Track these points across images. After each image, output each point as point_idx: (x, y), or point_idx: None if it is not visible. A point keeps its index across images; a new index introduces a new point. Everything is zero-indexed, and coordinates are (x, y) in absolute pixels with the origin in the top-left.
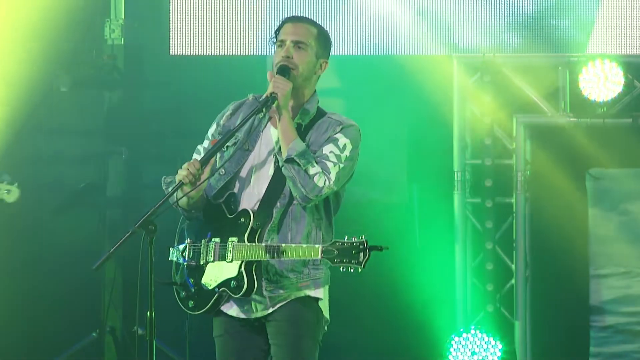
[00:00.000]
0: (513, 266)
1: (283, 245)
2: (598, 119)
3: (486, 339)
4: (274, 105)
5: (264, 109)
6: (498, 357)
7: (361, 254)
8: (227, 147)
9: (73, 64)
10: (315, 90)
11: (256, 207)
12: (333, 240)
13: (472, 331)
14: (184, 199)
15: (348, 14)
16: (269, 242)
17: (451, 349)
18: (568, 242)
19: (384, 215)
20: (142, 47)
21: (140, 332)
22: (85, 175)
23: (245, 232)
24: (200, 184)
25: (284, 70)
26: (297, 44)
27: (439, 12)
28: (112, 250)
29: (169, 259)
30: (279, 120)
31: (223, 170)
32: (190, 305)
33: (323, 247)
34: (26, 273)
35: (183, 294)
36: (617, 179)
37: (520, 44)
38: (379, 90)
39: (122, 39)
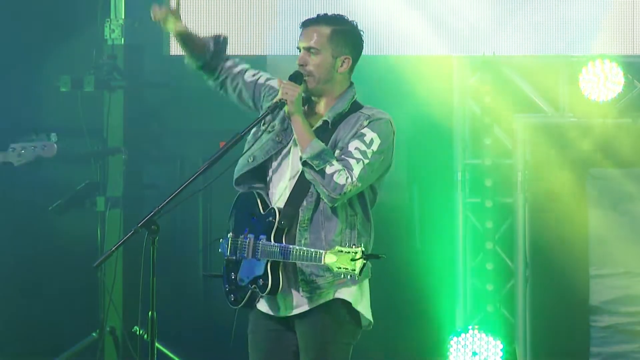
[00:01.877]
0: (513, 266)
1: (291, 246)
2: (598, 119)
3: (486, 339)
4: (283, 111)
5: (271, 115)
6: (498, 357)
7: (357, 263)
8: (262, 132)
9: (73, 64)
10: (350, 85)
11: (282, 206)
12: (335, 248)
13: (471, 331)
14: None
15: (348, 15)
16: (302, 242)
17: (451, 349)
18: (568, 242)
19: (384, 215)
20: (142, 47)
21: (140, 332)
22: (85, 175)
23: (272, 231)
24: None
25: (296, 77)
26: (308, 50)
27: (439, 12)
28: (113, 248)
29: (219, 250)
30: (293, 124)
31: (252, 157)
32: (230, 299)
33: (325, 253)
34: (26, 273)
35: (227, 287)
36: (617, 179)
37: (521, 44)
38: (379, 90)
39: (122, 39)
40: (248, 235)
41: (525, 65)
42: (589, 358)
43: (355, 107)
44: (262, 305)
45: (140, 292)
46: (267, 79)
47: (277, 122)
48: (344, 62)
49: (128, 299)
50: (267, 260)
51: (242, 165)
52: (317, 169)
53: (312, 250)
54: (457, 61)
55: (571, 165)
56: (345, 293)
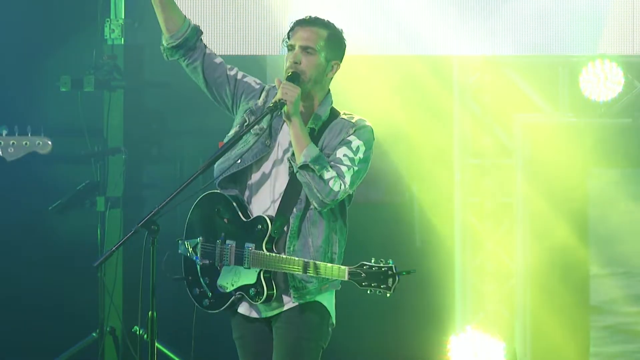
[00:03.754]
0: (513, 266)
1: (310, 261)
2: (598, 119)
3: (486, 338)
4: (282, 111)
5: (272, 115)
6: (498, 357)
7: (390, 280)
8: (250, 133)
9: (73, 64)
10: (328, 91)
11: (272, 214)
12: (360, 263)
13: (471, 331)
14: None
15: (348, 14)
16: (291, 249)
17: (451, 349)
18: (568, 242)
19: (384, 215)
20: (142, 47)
21: (140, 332)
22: (85, 175)
23: (263, 239)
24: None
25: (294, 77)
26: (305, 49)
27: (439, 12)
28: (113, 248)
29: (179, 251)
30: (290, 126)
31: (240, 159)
32: (205, 304)
33: (350, 269)
34: (26, 273)
35: (197, 291)
36: (617, 179)
37: (521, 44)
38: (379, 90)
39: (122, 39)
40: (227, 242)
41: (525, 65)
42: (589, 358)
43: (334, 113)
44: (244, 309)
45: (140, 292)
46: (244, 76)
47: (264, 124)
48: (333, 66)
49: (128, 299)
50: (260, 270)
51: (228, 165)
52: (317, 174)
53: (334, 265)
54: (457, 61)
55: (571, 165)
56: (325, 298)
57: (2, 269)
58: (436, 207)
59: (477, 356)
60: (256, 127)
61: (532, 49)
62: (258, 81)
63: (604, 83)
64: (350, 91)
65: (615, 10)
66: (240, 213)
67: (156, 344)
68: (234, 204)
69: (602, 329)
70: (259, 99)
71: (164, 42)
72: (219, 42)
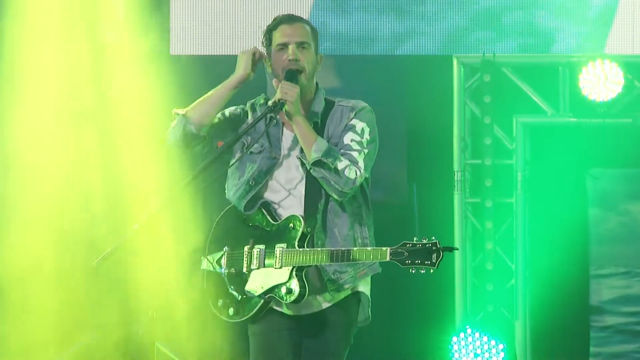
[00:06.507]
0: (513, 266)
1: (347, 249)
2: (598, 119)
3: (486, 339)
4: (282, 111)
5: (271, 115)
6: (499, 357)
7: (434, 255)
8: (252, 153)
9: (73, 64)
10: (317, 84)
11: (302, 212)
12: (402, 242)
13: (471, 331)
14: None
15: (348, 14)
16: (319, 243)
17: (452, 350)
18: (568, 242)
19: (385, 215)
20: (142, 47)
21: (140, 332)
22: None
23: (296, 237)
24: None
25: (292, 75)
26: (300, 45)
27: (439, 12)
28: (112, 248)
29: (202, 268)
30: (294, 125)
31: (253, 180)
32: (230, 314)
33: (391, 249)
34: (26, 273)
35: (220, 302)
36: (617, 179)
37: (521, 44)
38: (379, 90)
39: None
40: (256, 246)
41: (525, 65)
42: (589, 358)
43: (330, 102)
44: (275, 304)
45: (139, 292)
46: (225, 112)
47: (264, 140)
48: (319, 59)
49: (128, 299)
50: (293, 268)
51: (245, 191)
52: (331, 167)
53: (374, 248)
54: (457, 61)
55: (571, 165)
56: (363, 286)
57: (1, 269)
58: (436, 207)
59: (477, 356)
60: (256, 145)
61: (532, 49)
62: (237, 107)
63: (604, 83)
64: (350, 91)
65: (616, 10)
66: (269, 217)
67: (156, 344)
68: (262, 209)
69: (602, 329)
70: (248, 117)
71: (193, 129)
72: (219, 42)
